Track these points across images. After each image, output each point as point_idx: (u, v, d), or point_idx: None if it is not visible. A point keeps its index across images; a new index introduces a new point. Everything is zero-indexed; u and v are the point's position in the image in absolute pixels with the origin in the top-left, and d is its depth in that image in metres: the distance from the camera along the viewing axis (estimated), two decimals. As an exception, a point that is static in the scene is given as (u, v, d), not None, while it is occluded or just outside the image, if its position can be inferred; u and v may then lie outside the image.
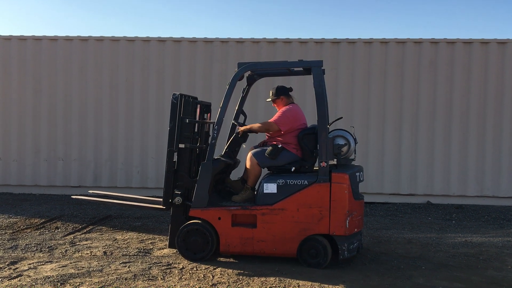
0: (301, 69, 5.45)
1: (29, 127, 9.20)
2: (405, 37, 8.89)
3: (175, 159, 5.29)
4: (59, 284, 4.27)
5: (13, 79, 9.22)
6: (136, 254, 5.30)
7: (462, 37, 8.80)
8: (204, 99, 8.96)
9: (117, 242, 5.78)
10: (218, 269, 4.73)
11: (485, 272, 4.80)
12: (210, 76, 9.05)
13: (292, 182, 4.86)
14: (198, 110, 5.50)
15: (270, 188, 4.89)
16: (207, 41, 9.08)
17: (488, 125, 8.72)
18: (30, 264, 4.85)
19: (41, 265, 4.83)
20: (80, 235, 6.13)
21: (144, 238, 5.99)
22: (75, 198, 6.21)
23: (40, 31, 40.61)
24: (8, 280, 4.36)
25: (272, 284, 4.32)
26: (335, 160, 4.97)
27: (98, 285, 4.25)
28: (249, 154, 5.17)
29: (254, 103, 8.66)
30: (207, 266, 4.81)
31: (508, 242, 6.07)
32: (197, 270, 4.71)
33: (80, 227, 6.55)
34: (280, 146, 5.02)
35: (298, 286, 4.30)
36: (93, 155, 9.16)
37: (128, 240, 5.88)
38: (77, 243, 5.71)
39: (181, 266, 4.81)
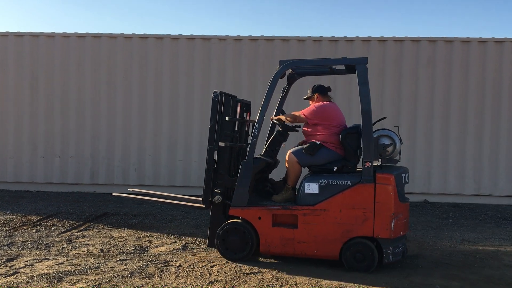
0: (343, 67, 5.37)
1: (26, 124, 9.17)
2: (403, 35, 8.90)
3: (215, 157, 5.20)
4: (55, 281, 4.25)
5: (10, 75, 9.18)
6: (133, 251, 5.29)
7: (460, 36, 8.81)
8: (202, 96, 9.03)
9: (114, 240, 5.77)
10: (215, 267, 4.72)
11: (482, 271, 4.81)
12: (208, 74, 9.04)
13: (334, 182, 4.72)
14: (238, 108, 5.41)
15: (312, 188, 4.77)
16: (205, 39, 9.06)
17: (485, 124, 8.73)
18: (26, 261, 4.84)
19: (37, 262, 4.81)
20: (76, 232, 6.12)
21: (141, 236, 5.98)
22: (116, 196, 6.11)
23: (37, 27, 40.52)
24: (4, 277, 4.34)
25: (269, 282, 4.32)
26: (379, 160, 4.84)
27: (95, 282, 4.24)
28: (288, 153, 5.09)
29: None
30: (204, 264, 4.81)
31: (504, 241, 6.08)
32: (194, 268, 4.70)
33: (76, 224, 6.54)
34: (318, 143, 4.94)
35: (295, 283, 4.30)
36: (90, 152, 9.14)
37: (125, 238, 5.87)
38: (74, 241, 5.70)
39: (178, 264, 4.80)
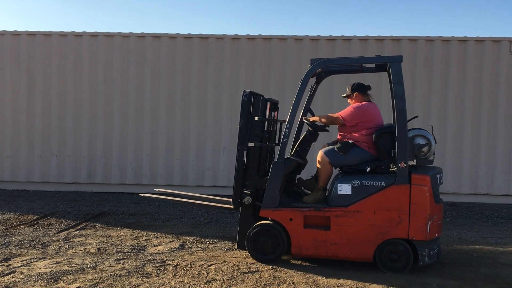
0: (373, 66, 5.29)
1: (23, 123, 9.14)
2: (400, 34, 8.91)
3: (244, 158, 5.13)
4: (52, 281, 4.24)
5: (7, 74, 9.16)
6: (130, 251, 5.28)
7: (457, 35, 8.82)
8: (199, 95, 9.02)
9: (111, 239, 5.76)
10: (213, 266, 4.72)
11: (479, 270, 4.82)
12: (206, 73, 9.03)
13: (368, 183, 4.62)
14: (268, 108, 5.31)
15: (345, 189, 4.67)
16: (203, 38, 9.05)
17: (482, 123, 8.75)
18: (23, 260, 4.82)
19: (34, 261, 4.80)
20: (74, 231, 6.11)
21: (138, 235, 5.97)
22: (143, 196, 6.00)
23: (34, 26, 40.38)
24: (1, 276, 4.33)
25: (266, 281, 4.32)
26: (414, 160, 4.75)
27: (92, 282, 4.23)
28: (320, 153, 5.00)
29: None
30: (201, 263, 4.80)
31: (501, 240, 6.10)
32: (191, 267, 4.69)
33: (74, 223, 6.53)
34: (351, 142, 4.86)
35: (293, 282, 4.30)
36: (87, 151, 9.12)
37: (122, 237, 5.86)
38: (71, 240, 5.68)
39: (175, 263, 4.80)
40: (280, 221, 4.81)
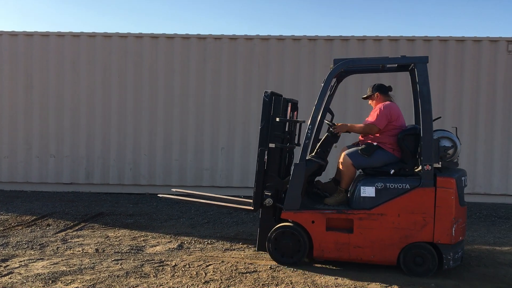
0: (394, 66, 5.26)
1: (20, 124, 9.12)
2: (398, 35, 8.92)
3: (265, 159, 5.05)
4: (50, 281, 4.24)
5: (4, 75, 9.13)
6: (128, 251, 5.28)
7: (454, 35, 8.83)
8: (197, 95, 9.02)
9: (109, 239, 5.75)
10: (211, 266, 4.71)
11: (477, 269, 4.83)
12: (204, 73, 9.02)
13: (392, 185, 4.57)
14: (289, 108, 5.24)
15: (368, 191, 4.62)
16: (200, 38, 9.05)
17: (480, 123, 8.76)
18: (21, 261, 4.82)
19: (32, 262, 4.79)
20: (71, 232, 6.10)
21: (137, 235, 5.96)
22: (162, 197, 5.88)
23: (31, 27, 40.35)
24: (-1, 277, 4.33)
25: (265, 282, 4.32)
26: (439, 163, 4.67)
27: (90, 282, 4.22)
28: (343, 154, 4.94)
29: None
30: (200, 264, 4.80)
31: (499, 239, 6.11)
32: (189, 267, 4.69)
33: (71, 224, 6.51)
34: (375, 144, 4.80)
35: (291, 282, 4.30)
36: (85, 151, 9.10)
37: (120, 237, 5.85)
38: (69, 241, 5.67)
39: (173, 264, 4.80)
40: (302, 223, 4.75)
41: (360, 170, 5.00)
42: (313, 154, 5.15)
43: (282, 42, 8.98)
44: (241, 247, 5.51)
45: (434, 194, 4.48)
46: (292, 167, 4.87)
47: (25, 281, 4.24)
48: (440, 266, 4.52)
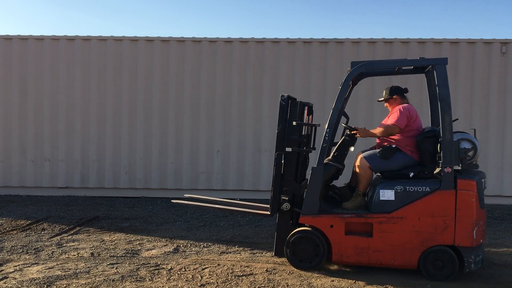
0: (411, 68, 5.23)
1: (15, 128, 9.09)
2: (392, 37, 8.95)
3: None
4: (45, 286, 4.21)
5: (-1, 79, 9.12)
6: (123, 255, 5.26)
7: (448, 37, 8.89)
8: (192, 98, 9.01)
9: (105, 243, 5.73)
10: (207, 270, 4.70)
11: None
12: (199, 76, 9.03)
13: (412, 188, 4.52)
14: (305, 112, 5.18)
15: (387, 195, 4.56)
16: (195, 41, 9.05)
17: (474, 124, 8.74)
18: (16, 266, 4.79)
19: (27, 267, 4.77)
20: (67, 236, 6.07)
21: (132, 239, 5.94)
22: (175, 203, 5.75)
23: (26, 30, 40.24)
24: (-7, 282, 4.30)
25: (261, 284, 4.31)
26: (459, 165, 4.61)
27: (85, 286, 4.20)
28: (360, 157, 4.88)
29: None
30: (195, 267, 4.79)
31: (494, 240, 6.12)
32: (185, 271, 4.68)
33: (67, 228, 6.49)
34: (394, 146, 4.75)
35: (287, 285, 4.30)
36: (80, 155, 9.08)
37: (115, 241, 5.83)
38: (64, 245, 5.65)
39: (169, 267, 4.78)
40: (321, 227, 4.70)
41: (378, 174, 4.96)
42: (330, 157, 5.09)
43: (277, 44, 8.99)
44: (237, 250, 5.50)
45: (454, 196, 4.44)
46: (310, 171, 4.80)
47: (20, 285, 4.22)
48: (461, 269, 4.47)
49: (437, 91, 4.63)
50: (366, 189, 4.90)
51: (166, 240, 5.90)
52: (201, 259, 5.11)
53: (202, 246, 5.67)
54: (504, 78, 8.80)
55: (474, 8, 30.96)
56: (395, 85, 5.11)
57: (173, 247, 5.57)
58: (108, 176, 9.06)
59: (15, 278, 4.41)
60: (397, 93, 5.01)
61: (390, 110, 5.10)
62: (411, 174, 4.66)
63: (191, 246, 5.66)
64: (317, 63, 8.86)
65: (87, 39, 9.09)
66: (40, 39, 9.12)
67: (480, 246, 4.61)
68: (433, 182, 4.55)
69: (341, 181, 5.37)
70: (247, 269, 4.72)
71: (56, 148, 9.08)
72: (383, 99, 5.13)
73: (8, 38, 9.13)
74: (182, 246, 5.66)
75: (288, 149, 4.94)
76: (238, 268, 4.75)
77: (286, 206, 4.86)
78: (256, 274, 4.59)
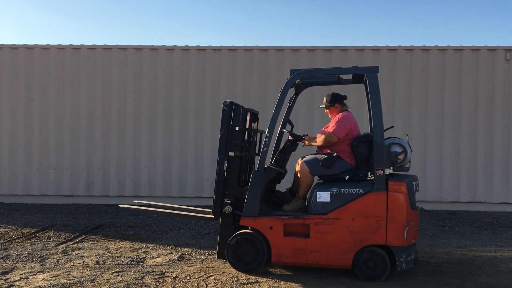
0: (350, 78, 5.35)
1: (20, 136, 9.15)
2: (396, 44, 8.98)
3: (225, 167, 5.12)
4: (51, 294, 4.22)
5: (5, 87, 9.19)
6: (129, 263, 5.26)
7: (452, 44, 8.90)
8: (196, 106, 9.04)
9: (110, 251, 5.74)
10: (212, 278, 4.70)
11: (479, 278, 4.80)
12: (203, 84, 9.07)
13: (346, 190, 4.68)
14: (248, 118, 5.35)
15: (324, 197, 4.72)
16: (200, 49, 9.10)
17: (479, 131, 8.79)
18: (21, 274, 4.80)
19: (32, 275, 4.77)
20: (72, 244, 6.08)
21: (137, 247, 5.95)
22: (123, 207, 6.00)
23: (32, 40, 40.55)
24: (-1, 290, 4.31)
25: (266, 292, 4.30)
26: (391, 168, 4.84)
27: (91, 294, 4.21)
28: (301, 162, 5.01)
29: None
30: (200, 275, 4.78)
31: (500, 248, 6.09)
32: (190, 278, 4.68)
33: (72, 236, 6.50)
34: (335, 154, 4.88)
35: (292, 293, 4.28)
36: (85, 163, 9.11)
37: (120, 249, 5.84)
38: (69, 253, 5.66)
39: (174, 275, 4.78)
40: (260, 229, 4.82)
41: (318, 178, 5.09)
42: (272, 162, 5.26)
43: (281, 52, 9.03)
44: (242, 258, 5.48)
45: (386, 198, 4.60)
46: (251, 175, 4.95)
47: (25, 294, 4.22)
48: (393, 268, 4.59)
49: (369, 98, 4.78)
50: (306, 193, 5.03)
51: (171, 248, 5.90)
52: (206, 267, 5.11)
53: (207, 254, 5.67)
54: (508, 85, 8.80)
55: (478, 15, 30.99)
56: (335, 92, 5.23)
57: (178, 255, 5.57)
58: (113, 184, 9.08)
59: (21, 286, 4.42)
60: (337, 101, 5.14)
61: (330, 116, 5.21)
62: (347, 177, 4.81)
63: (196, 254, 5.66)
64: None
65: (92, 48, 9.16)
66: (46, 48, 9.19)
67: (413, 246, 4.77)
68: (367, 184, 4.72)
69: (285, 186, 5.53)
70: (252, 277, 4.70)
71: (61, 156, 9.12)
72: (324, 106, 5.24)
73: (14, 47, 9.21)
74: (187, 254, 5.66)
75: (231, 154, 5.06)
76: (243, 276, 4.74)
77: (228, 209, 4.97)
78: (261, 282, 4.58)
